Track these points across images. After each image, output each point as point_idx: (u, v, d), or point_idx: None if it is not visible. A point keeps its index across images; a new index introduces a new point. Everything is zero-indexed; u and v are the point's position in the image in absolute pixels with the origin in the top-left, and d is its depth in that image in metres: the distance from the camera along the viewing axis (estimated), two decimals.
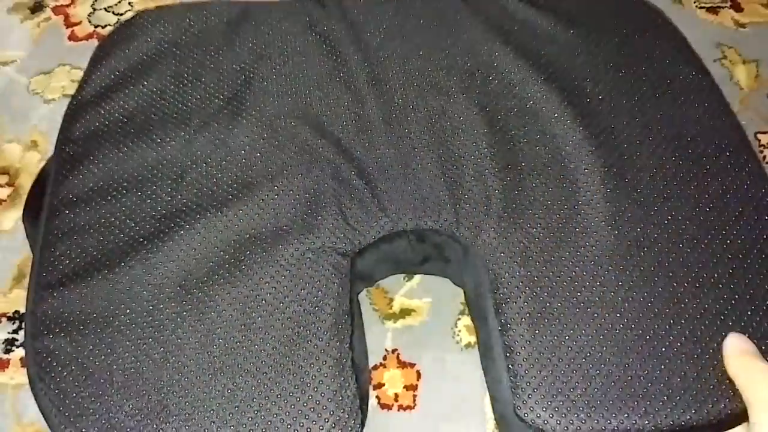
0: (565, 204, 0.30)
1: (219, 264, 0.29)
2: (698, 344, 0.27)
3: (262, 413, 0.26)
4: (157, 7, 0.41)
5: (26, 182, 0.42)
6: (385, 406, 0.33)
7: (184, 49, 0.37)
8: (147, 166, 0.33)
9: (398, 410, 0.33)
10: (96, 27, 0.51)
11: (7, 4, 0.52)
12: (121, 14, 0.52)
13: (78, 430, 0.26)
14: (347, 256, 0.30)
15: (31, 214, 0.34)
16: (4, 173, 0.43)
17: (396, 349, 0.35)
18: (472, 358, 0.31)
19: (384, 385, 0.34)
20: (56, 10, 0.52)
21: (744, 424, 0.25)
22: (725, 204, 0.30)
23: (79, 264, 0.30)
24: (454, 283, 0.33)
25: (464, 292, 0.33)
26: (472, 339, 0.35)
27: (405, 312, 0.36)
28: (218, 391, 0.26)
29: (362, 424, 0.27)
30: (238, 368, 0.27)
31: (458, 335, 0.35)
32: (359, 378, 0.27)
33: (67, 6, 0.52)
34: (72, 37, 0.50)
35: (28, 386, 0.28)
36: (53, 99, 0.46)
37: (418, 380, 0.34)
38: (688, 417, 0.25)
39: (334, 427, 0.26)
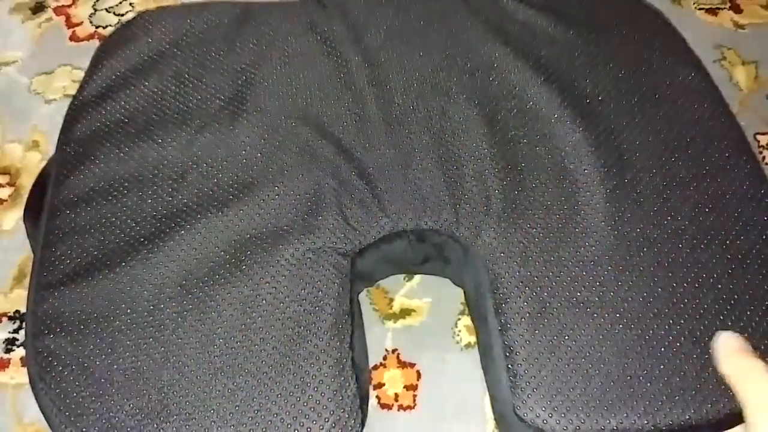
0: (565, 204, 0.31)
1: (219, 264, 0.29)
2: (698, 344, 0.27)
3: (263, 413, 0.26)
4: (158, 7, 0.41)
5: (27, 182, 0.42)
6: (385, 406, 0.33)
7: (185, 50, 0.38)
8: (148, 167, 0.33)
9: (398, 410, 0.33)
10: (97, 27, 0.51)
11: (9, 5, 0.53)
12: (122, 15, 0.52)
13: (78, 430, 0.26)
14: (347, 256, 0.30)
15: (32, 214, 0.34)
16: (5, 173, 0.43)
17: (396, 349, 0.35)
18: (472, 358, 0.31)
19: (384, 384, 0.34)
20: (57, 10, 0.52)
21: (741, 425, 0.25)
22: (724, 204, 0.30)
23: (79, 264, 0.30)
24: (454, 283, 0.33)
25: (464, 293, 0.33)
26: (472, 339, 0.35)
27: (405, 312, 0.36)
28: (219, 390, 0.26)
29: (362, 424, 0.27)
30: (238, 368, 0.27)
31: (458, 335, 0.35)
32: (359, 378, 0.28)
33: (69, 6, 0.53)
34: (73, 38, 0.50)
35: (28, 386, 0.28)
36: (54, 99, 0.46)
37: (418, 380, 0.34)
38: (688, 416, 0.25)
39: (334, 427, 0.26)
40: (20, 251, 0.39)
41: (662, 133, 0.33)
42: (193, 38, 0.38)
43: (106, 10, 0.52)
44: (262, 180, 0.32)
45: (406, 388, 0.34)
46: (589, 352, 0.27)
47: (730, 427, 0.25)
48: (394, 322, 0.36)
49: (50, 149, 0.35)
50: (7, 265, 0.39)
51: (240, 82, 0.36)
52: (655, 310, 0.27)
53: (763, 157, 0.42)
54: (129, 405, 0.26)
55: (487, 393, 0.29)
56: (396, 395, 0.34)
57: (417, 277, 0.37)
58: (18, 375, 0.35)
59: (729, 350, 0.26)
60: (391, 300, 0.37)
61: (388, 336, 0.36)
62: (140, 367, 0.27)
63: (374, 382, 0.34)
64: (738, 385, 0.25)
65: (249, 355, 0.27)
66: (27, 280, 0.31)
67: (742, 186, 0.31)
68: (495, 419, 0.29)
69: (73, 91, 0.37)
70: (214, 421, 0.26)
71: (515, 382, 0.27)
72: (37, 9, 0.52)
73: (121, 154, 0.33)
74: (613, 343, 0.27)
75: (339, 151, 0.33)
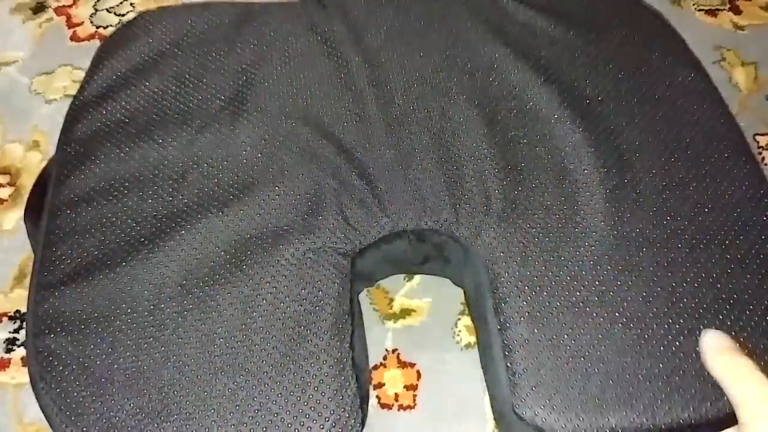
0: (565, 204, 0.31)
1: (220, 264, 0.29)
2: (697, 343, 0.27)
3: (263, 412, 0.26)
4: (158, 8, 0.41)
5: (28, 182, 0.42)
6: (385, 406, 0.33)
7: (186, 50, 0.38)
8: (148, 167, 0.33)
9: (398, 410, 0.33)
10: (98, 28, 0.51)
11: (9, 5, 0.53)
12: (123, 15, 0.52)
13: (79, 429, 0.26)
14: (348, 256, 0.30)
15: (33, 214, 0.34)
16: (5, 173, 0.43)
17: (396, 349, 0.35)
18: (472, 358, 0.31)
19: (384, 384, 0.34)
20: (58, 10, 0.52)
21: (735, 427, 0.25)
22: (724, 205, 0.30)
23: (80, 264, 0.30)
24: (454, 283, 0.34)
25: (464, 293, 0.33)
26: (472, 339, 0.35)
27: (405, 312, 0.36)
28: (219, 390, 0.26)
29: (362, 424, 0.27)
30: (238, 367, 0.27)
31: (458, 335, 0.35)
32: (359, 377, 0.28)
33: (69, 7, 0.53)
34: (74, 38, 0.50)
35: (29, 386, 0.28)
36: (55, 99, 0.46)
37: (418, 380, 0.34)
38: (687, 415, 0.25)
39: (334, 427, 0.26)
40: (21, 251, 0.39)
41: (662, 133, 0.33)
42: (193, 38, 0.38)
43: (107, 10, 0.53)
44: (262, 180, 0.32)
45: (406, 388, 0.34)
46: (588, 351, 0.27)
47: (729, 426, 0.25)
48: (394, 322, 0.36)
49: (51, 149, 0.35)
50: (7, 264, 0.39)
51: (240, 82, 0.36)
52: (655, 310, 0.27)
53: (763, 158, 0.42)
54: (129, 404, 0.26)
55: (487, 393, 0.29)
56: (396, 395, 0.34)
57: (417, 277, 0.37)
58: (19, 375, 0.35)
59: (716, 349, 0.26)
60: (391, 300, 0.37)
61: (388, 336, 0.36)
62: (141, 366, 0.27)
63: (374, 381, 0.34)
64: (728, 384, 0.25)
65: (249, 355, 0.27)
66: (27, 280, 0.31)
67: (741, 186, 0.31)
68: (494, 419, 0.29)
69: (73, 91, 0.37)
70: (215, 421, 0.26)
71: (514, 380, 0.27)
72: (38, 9, 0.52)
73: (122, 154, 0.33)
74: (612, 342, 0.27)
75: (339, 151, 0.33)
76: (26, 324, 0.29)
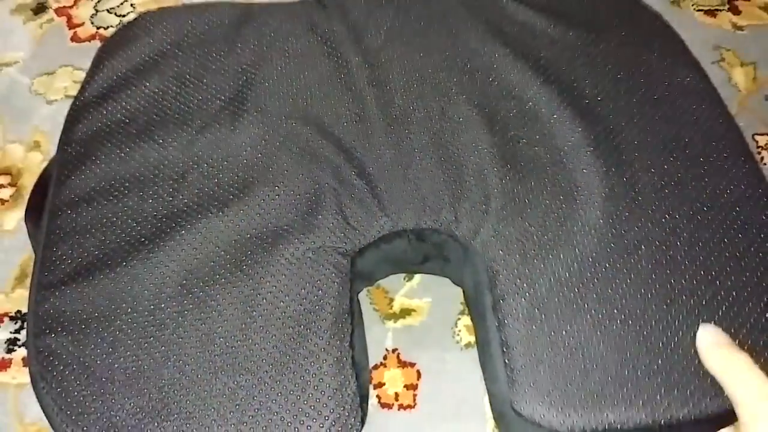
0: (564, 203, 0.31)
1: (220, 264, 0.29)
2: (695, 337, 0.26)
3: (263, 412, 0.26)
4: (159, 8, 0.41)
5: (28, 182, 0.42)
6: (385, 406, 0.34)
7: (186, 51, 0.38)
8: (149, 167, 0.33)
9: (398, 409, 0.33)
10: (98, 28, 0.51)
11: (10, 6, 0.53)
12: (124, 16, 0.52)
13: (80, 429, 0.26)
14: (347, 256, 0.30)
15: (34, 215, 0.34)
16: (6, 174, 0.43)
17: (396, 349, 0.35)
18: (472, 357, 0.31)
19: (384, 384, 0.34)
20: (59, 11, 0.52)
21: (734, 424, 0.25)
22: (722, 203, 0.30)
23: (80, 263, 0.30)
24: (454, 283, 0.34)
25: (463, 292, 0.33)
26: (472, 339, 0.35)
27: (405, 312, 0.36)
28: (219, 389, 0.26)
29: (362, 423, 0.27)
30: (238, 367, 0.27)
31: (458, 335, 0.35)
32: (359, 376, 0.28)
33: (70, 7, 0.53)
34: (74, 39, 0.51)
35: (30, 386, 0.28)
36: (55, 100, 0.47)
37: (418, 380, 0.34)
38: (686, 411, 0.25)
39: (334, 425, 0.26)
40: (22, 251, 0.39)
41: (661, 133, 0.33)
42: (194, 39, 0.38)
43: (108, 10, 0.53)
44: (262, 180, 0.32)
45: (407, 387, 0.34)
46: (586, 348, 0.27)
47: (730, 423, 0.25)
48: (395, 322, 0.36)
49: (51, 150, 0.35)
50: (8, 265, 0.39)
51: (241, 82, 0.36)
52: (653, 306, 0.27)
53: (762, 158, 0.42)
54: (130, 404, 0.26)
55: (486, 392, 0.29)
56: (396, 395, 0.34)
57: (417, 277, 0.37)
58: (20, 375, 0.35)
59: (712, 344, 0.26)
60: (392, 300, 0.37)
61: (389, 336, 0.36)
62: (141, 366, 0.27)
63: (374, 381, 0.34)
64: (726, 381, 0.24)
65: (249, 354, 0.27)
66: (29, 281, 0.31)
67: (740, 186, 0.31)
68: (493, 416, 0.29)
69: (74, 92, 0.37)
70: (215, 420, 0.26)
71: (513, 377, 0.27)
72: (39, 10, 0.53)
73: (122, 155, 0.33)
74: (611, 339, 0.27)
75: (339, 151, 0.33)
76: (27, 324, 0.29)
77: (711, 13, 0.50)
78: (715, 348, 0.26)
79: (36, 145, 0.44)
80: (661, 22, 0.39)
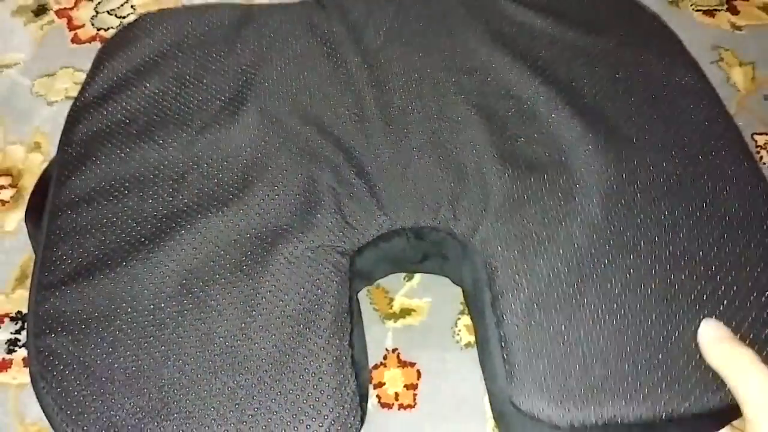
0: (562, 200, 0.31)
1: (219, 263, 0.30)
2: (696, 333, 0.26)
3: (263, 411, 0.26)
4: (159, 10, 0.41)
5: (29, 184, 0.42)
6: (385, 405, 0.34)
7: (186, 52, 0.38)
8: (149, 167, 0.33)
9: (399, 409, 0.33)
10: (99, 30, 0.51)
11: (11, 7, 0.53)
12: (124, 17, 0.52)
13: (80, 429, 0.26)
14: (346, 255, 0.30)
15: (34, 215, 0.34)
16: (7, 175, 0.43)
17: (396, 349, 0.35)
18: (472, 357, 0.31)
19: (384, 384, 0.34)
20: (59, 13, 0.53)
21: (737, 422, 0.25)
22: (722, 200, 0.30)
23: (80, 264, 0.30)
24: (453, 282, 0.34)
25: (462, 290, 0.33)
26: (472, 338, 0.35)
27: (405, 312, 0.36)
28: (218, 389, 0.26)
29: (362, 422, 0.27)
30: (238, 366, 0.27)
31: (458, 335, 0.36)
32: (359, 375, 0.28)
33: (70, 9, 0.53)
34: (75, 40, 0.51)
35: (30, 386, 0.28)
36: (56, 101, 0.47)
37: (418, 379, 0.34)
38: (688, 405, 0.25)
39: (333, 424, 0.26)
40: (22, 252, 0.39)
41: (659, 131, 0.33)
42: (194, 40, 0.38)
43: (108, 12, 0.53)
44: (261, 179, 0.32)
45: (407, 387, 0.34)
46: (586, 343, 0.27)
47: (733, 418, 0.25)
48: (395, 322, 0.36)
49: (52, 151, 0.35)
50: (9, 266, 0.39)
51: (240, 83, 0.36)
52: (653, 301, 0.27)
53: (761, 157, 0.42)
54: (130, 404, 0.26)
55: (486, 391, 0.29)
56: (396, 394, 0.34)
57: (417, 277, 0.37)
58: (20, 375, 0.35)
59: (714, 339, 0.25)
60: (392, 300, 0.37)
61: (389, 335, 0.36)
62: (141, 365, 0.27)
63: (374, 381, 0.34)
64: (730, 377, 0.24)
65: (249, 354, 0.27)
66: (29, 281, 0.31)
67: (739, 183, 0.31)
68: (493, 414, 0.28)
69: (74, 93, 0.37)
70: (214, 419, 0.26)
71: (511, 372, 0.27)
72: (39, 11, 0.53)
73: (122, 155, 0.34)
74: (611, 333, 0.27)
75: (338, 151, 0.33)
76: (27, 324, 0.29)
77: (709, 13, 0.51)
78: (718, 343, 0.25)
79: (36, 147, 0.44)
80: (659, 22, 0.39)
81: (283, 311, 0.28)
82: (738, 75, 0.47)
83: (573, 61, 0.36)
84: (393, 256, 0.32)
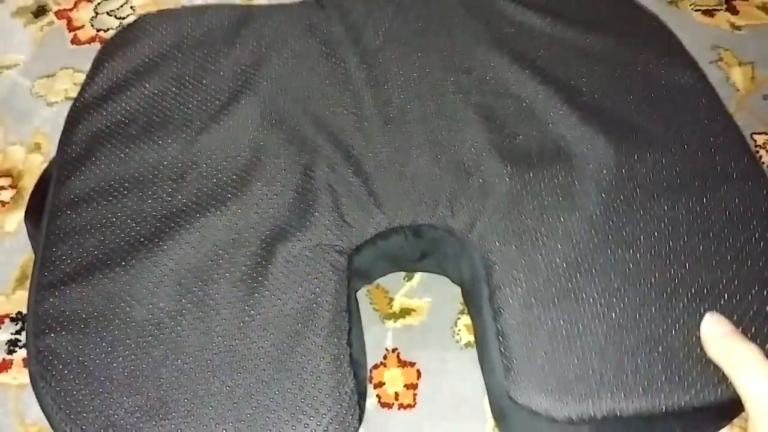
0: (561, 196, 0.30)
1: (218, 263, 0.30)
2: (696, 326, 0.26)
3: (261, 410, 0.26)
4: (158, 10, 0.41)
5: (29, 184, 0.42)
6: (385, 405, 0.34)
7: (186, 52, 0.38)
8: (148, 167, 0.33)
9: (399, 409, 0.33)
10: (98, 30, 0.51)
11: (11, 8, 0.53)
12: (124, 18, 0.52)
13: (78, 428, 0.26)
14: (344, 254, 0.30)
15: (34, 215, 0.34)
16: (7, 175, 0.43)
17: (396, 349, 0.35)
18: (471, 357, 0.31)
19: (384, 384, 0.34)
20: (59, 14, 0.53)
21: (742, 414, 0.24)
22: (722, 195, 0.30)
23: (80, 263, 0.30)
24: (452, 281, 0.34)
25: (461, 289, 0.33)
26: (472, 338, 0.35)
27: (405, 312, 0.36)
28: (217, 388, 0.26)
29: (360, 420, 0.27)
30: (236, 365, 0.27)
31: (458, 334, 0.36)
32: (357, 374, 0.28)
33: (70, 10, 0.53)
34: (75, 41, 0.51)
35: (31, 387, 0.28)
36: (56, 102, 0.47)
37: (418, 379, 0.34)
38: (688, 398, 0.25)
39: (331, 423, 0.26)
40: (23, 253, 0.39)
41: (659, 129, 0.33)
42: (193, 40, 0.38)
43: (108, 13, 0.53)
44: (260, 179, 0.32)
45: (407, 387, 0.34)
46: (584, 336, 0.26)
47: (734, 413, 0.24)
48: (394, 322, 0.36)
49: (52, 151, 0.36)
50: (9, 266, 0.39)
51: (239, 83, 0.36)
52: (653, 295, 0.27)
53: (760, 156, 0.43)
54: (128, 403, 0.26)
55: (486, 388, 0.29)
56: (396, 394, 0.34)
57: (417, 277, 0.37)
58: (20, 376, 0.35)
59: (717, 334, 0.25)
60: (391, 300, 0.37)
61: (388, 335, 0.36)
62: (139, 365, 0.27)
63: (374, 381, 0.34)
64: (733, 373, 0.23)
65: (247, 353, 0.27)
66: (29, 282, 0.31)
67: (739, 179, 0.31)
68: (491, 408, 0.28)
69: (74, 94, 0.37)
70: (213, 418, 0.26)
71: (509, 366, 0.26)
72: (39, 12, 0.53)
73: (122, 155, 0.34)
74: (610, 327, 0.26)
75: (336, 150, 0.33)
76: (26, 324, 0.29)
77: (709, 13, 0.51)
78: (721, 338, 0.25)
79: (37, 147, 0.45)
80: (658, 22, 0.39)
81: (282, 310, 0.28)
82: (737, 75, 0.47)
83: (572, 61, 0.36)
84: (391, 255, 0.32)
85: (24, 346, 0.36)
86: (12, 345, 0.36)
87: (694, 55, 0.37)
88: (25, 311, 0.36)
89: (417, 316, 0.36)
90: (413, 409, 0.33)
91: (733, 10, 0.51)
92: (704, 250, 0.28)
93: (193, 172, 0.33)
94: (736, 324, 0.26)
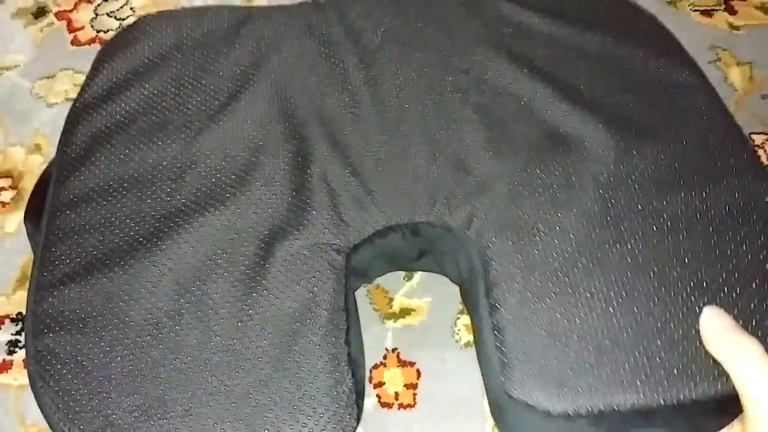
0: (558, 191, 0.30)
1: (216, 262, 0.30)
2: (695, 320, 0.26)
3: (259, 409, 0.26)
4: (158, 12, 0.41)
5: (29, 185, 0.42)
6: (385, 405, 0.34)
7: (185, 53, 0.38)
8: (147, 167, 0.33)
9: (398, 409, 0.33)
10: (98, 32, 0.52)
11: (11, 10, 0.53)
12: (123, 19, 0.52)
13: (77, 427, 0.26)
14: (342, 252, 0.30)
15: (33, 216, 0.34)
16: (7, 176, 0.43)
17: (396, 349, 0.35)
18: (471, 356, 0.31)
19: (384, 383, 0.34)
20: (59, 15, 0.53)
21: (739, 418, 0.24)
22: (722, 190, 0.30)
23: (79, 263, 0.30)
24: (451, 280, 0.34)
25: (459, 287, 0.33)
26: (472, 338, 0.35)
27: (405, 311, 0.37)
28: (215, 387, 0.26)
29: (358, 419, 0.27)
30: (234, 364, 0.27)
31: (458, 334, 0.36)
32: (356, 373, 0.28)
33: (70, 11, 0.53)
34: (75, 42, 0.51)
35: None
36: (56, 103, 0.47)
37: (418, 379, 0.34)
38: (687, 391, 0.25)
39: (329, 422, 0.26)
40: (23, 253, 0.39)
41: (658, 126, 0.33)
42: (193, 41, 0.39)
43: (108, 14, 0.53)
44: (259, 179, 0.32)
45: (406, 386, 0.34)
46: (581, 330, 0.26)
47: (734, 407, 0.24)
48: (394, 322, 0.36)
49: (52, 152, 0.36)
50: (9, 267, 0.39)
51: (239, 83, 0.36)
52: (651, 288, 0.27)
53: (758, 157, 0.43)
54: (127, 402, 0.26)
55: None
56: (396, 394, 0.34)
57: (417, 277, 0.37)
58: (21, 376, 0.35)
59: (717, 328, 0.24)
60: (391, 300, 0.37)
61: (388, 335, 0.36)
62: (138, 364, 0.27)
63: (374, 381, 0.34)
64: (732, 369, 0.23)
65: (245, 352, 0.27)
66: (29, 282, 0.31)
67: (739, 173, 0.31)
68: (489, 403, 0.28)
69: (74, 95, 0.37)
70: (211, 418, 0.26)
71: (504, 360, 0.26)
72: (39, 14, 0.53)
73: (121, 156, 0.34)
74: (607, 321, 0.26)
75: (334, 150, 0.33)
76: (25, 323, 0.29)
77: (707, 13, 0.51)
78: (721, 332, 0.24)
79: (37, 148, 0.45)
80: (656, 23, 0.39)
81: (279, 309, 0.28)
82: (735, 75, 0.47)
83: (570, 60, 0.36)
84: (389, 253, 0.32)
85: (24, 346, 0.36)
86: (12, 346, 0.36)
87: (692, 55, 0.37)
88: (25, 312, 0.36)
89: (417, 316, 0.36)
90: (413, 409, 0.33)
91: (732, 11, 0.51)
92: (704, 244, 0.28)
93: (192, 172, 0.33)
94: (736, 318, 0.26)
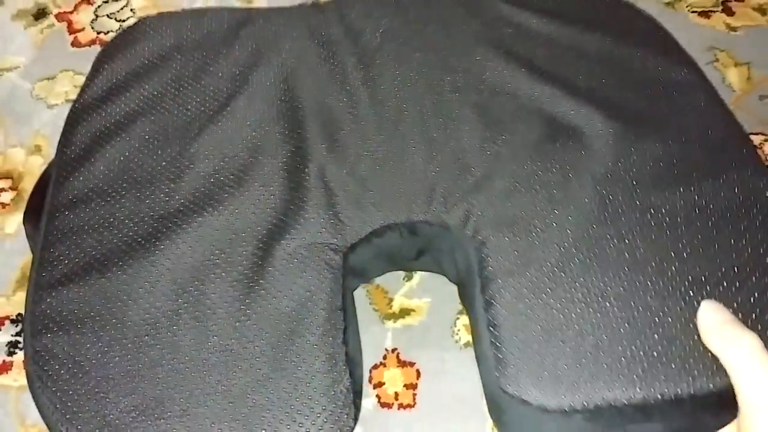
0: (555, 188, 0.30)
1: (214, 262, 0.30)
2: (693, 314, 0.26)
3: (256, 409, 0.26)
4: (158, 13, 0.41)
5: (29, 186, 0.42)
6: (385, 405, 0.34)
7: (185, 54, 0.38)
8: (146, 168, 0.33)
9: (398, 409, 0.33)
10: (99, 33, 0.52)
11: (11, 11, 0.53)
12: (124, 20, 0.53)
13: (74, 427, 0.26)
14: (339, 252, 0.30)
15: (33, 216, 0.34)
16: (7, 177, 0.43)
17: (396, 349, 0.35)
18: (471, 356, 0.31)
19: (384, 384, 0.34)
20: (59, 16, 0.53)
21: (735, 421, 0.24)
22: (722, 185, 0.30)
23: (77, 264, 0.30)
24: (449, 279, 0.34)
25: (457, 287, 0.33)
26: (471, 338, 0.35)
27: (405, 312, 0.37)
28: (213, 387, 0.26)
29: (355, 419, 0.27)
30: (232, 364, 0.27)
31: (457, 334, 0.36)
32: (353, 373, 0.28)
33: (70, 13, 0.53)
34: (75, 43, 0.51)
35: None
36: (56, 104, 0.47)
37: (417, 379, 0.34)
38: (685, 386, 0.24)
39: (326, 422, 0.26)
40: (23, 254, 0.39)
41: (657, 123, 0.33)
42: (193, 43, 0.39)
43: (108, 15, 0.53)
44: (257, 179, 0.32)
45: (406, 387, 0.34)
46: (576, 325, 0.26)
47: (734, 406, 0.23)
48: (394, 322, 0.36)
49: (52, 153, 0.36)
50: (9, 268, 0.39)
51: (238, 84, 0.36)
52: (648, 283, 0.27)
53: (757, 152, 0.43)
54: (124, 402, 0.26)
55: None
56: (396, 394, 0.34)
57: (416, 277, 0.37)
58: (21, 377, 0.35)
59: (715, 322, 0.24)
60: (391, 300, 0.37)
61: (388, 336, 0.36)
62: (136, 364, 0.27)
63: (374, 381, 0.34)
64: (729, 364, 0.22)
65: (243, 352, 0.27)
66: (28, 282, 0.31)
67: (739, 168, 0.30)
68: (486, 401, 0.28)
69: (74, 96, 0.38)
70: (208, 417, 0.26)
71: (500, 355, 0.26)
72: (39, 15, 0.53)
73: (121, 156, 0.34)
74: (603, 316, 0.26)
75: (332, 149, 0.33)
76: (24, 324, 0.29)
77: (705, 14, 0.51)
78: (719, 326, 0.24)
79: (37, 149, 0.45)
80: (654, 24, 0.39)
81: (277, 308, 0.28)
82: (733, 76, 0.47)
83: (569, 60, 0.36)
84: (387, 253, 0.32)
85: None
86: (12, 347, 0.36)
87: (690, 56, 0.37)
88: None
89: (416, 316, 0.36)
90: (413, 409, 0.33)
91: (729, 12, 0.51)
92: (702, 239, 0.28)
93: (190, 173, 0.33)
94: (736, 312, 0.25)
